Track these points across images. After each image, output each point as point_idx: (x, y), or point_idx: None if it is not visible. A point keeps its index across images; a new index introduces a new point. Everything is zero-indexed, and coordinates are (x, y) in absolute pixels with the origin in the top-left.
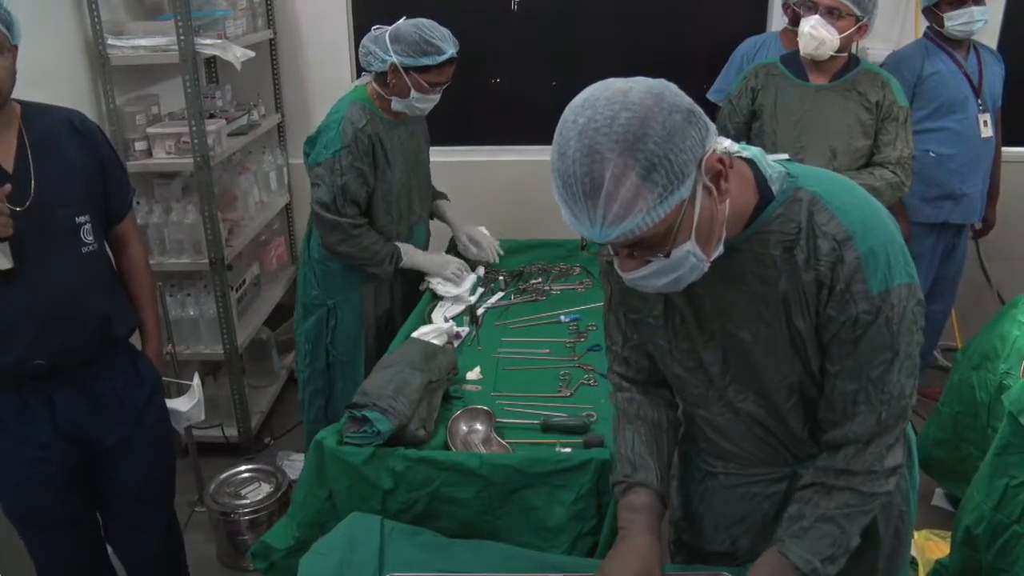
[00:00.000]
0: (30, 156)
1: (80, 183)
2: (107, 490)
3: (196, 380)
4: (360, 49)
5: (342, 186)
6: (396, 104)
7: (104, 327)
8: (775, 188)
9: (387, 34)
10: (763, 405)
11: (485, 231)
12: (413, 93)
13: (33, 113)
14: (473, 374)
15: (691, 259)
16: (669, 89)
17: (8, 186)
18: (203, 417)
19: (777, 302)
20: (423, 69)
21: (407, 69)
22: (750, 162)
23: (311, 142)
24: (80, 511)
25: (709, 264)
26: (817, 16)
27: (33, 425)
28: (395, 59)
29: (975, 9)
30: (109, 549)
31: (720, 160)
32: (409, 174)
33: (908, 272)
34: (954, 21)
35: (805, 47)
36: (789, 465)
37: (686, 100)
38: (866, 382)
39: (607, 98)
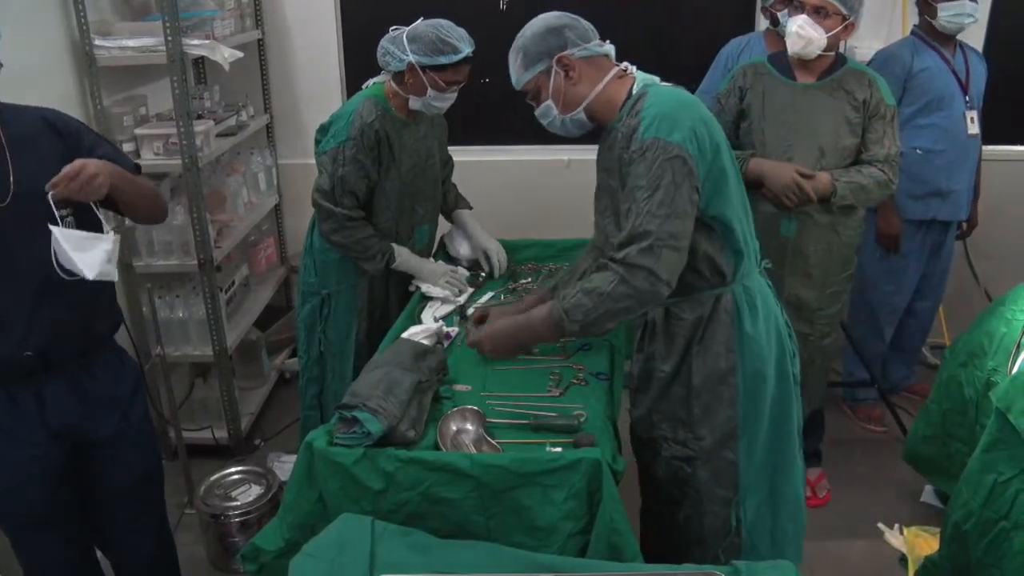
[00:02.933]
0: (7, 153)
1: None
2: (99, 489)
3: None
4: (379, 49)
5: (341, 176)
6: (414, 103)
7: (89, 321)
8: (634, 92)
9: (404, 34)
10: (605, 220)
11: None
12: (430, 92)
13: (7, 112)
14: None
15: (552, 111)
16: (557, 16)
17: None
18: (115, 277)
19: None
20: (440, 68)
21: (424, 68)
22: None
23: (323, 130)
24: (69, 512)
25: (563, 117)
26: (804, 16)
27: (24, 423)
28: (412, 58)
29: (967, 3)
30: (101, 556)
31: (569, 61)
32: (415, 176)
33: (673, 135)
34: (947, 12)
35: (792, 46)
36: None
37: (560, 22)
38: (632, 202)
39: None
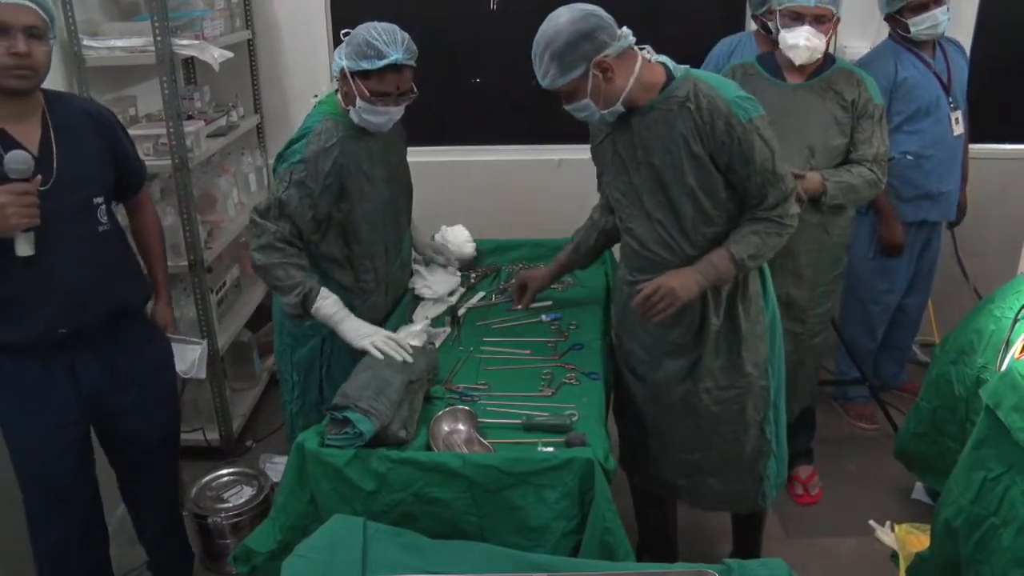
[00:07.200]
0: (53, 140)
1: (96, 167)
2: (123, 452)
3: (204, 345)
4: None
5: (280, 198)
6: (352, 114)
7: (120, 299)
8: (677, 75)
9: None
10: (668, 208)
11: (464, 230)
12: (358, 102)
13: (54, 100)
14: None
15: (590, 107)
16: (583, 15)
17: (39, 177)
18: (203, 375)
19: (677, 137)
20: (364, 75)
21: (352, 75)
22: (663, 63)
23: (280, 159)
24: (89, 487)
25: (602, 112)
26: (808, 27)
27: (56, 392)
28: (344, 62)
29: (937, 11)
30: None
31: (607, 63)
32: (392, 187)
33: (758, 111)
34: (919, 26)
35: (799, 58)
36: (687, 259)
37: (590, 25)
38: (768, 175)
39: (554, 16)
